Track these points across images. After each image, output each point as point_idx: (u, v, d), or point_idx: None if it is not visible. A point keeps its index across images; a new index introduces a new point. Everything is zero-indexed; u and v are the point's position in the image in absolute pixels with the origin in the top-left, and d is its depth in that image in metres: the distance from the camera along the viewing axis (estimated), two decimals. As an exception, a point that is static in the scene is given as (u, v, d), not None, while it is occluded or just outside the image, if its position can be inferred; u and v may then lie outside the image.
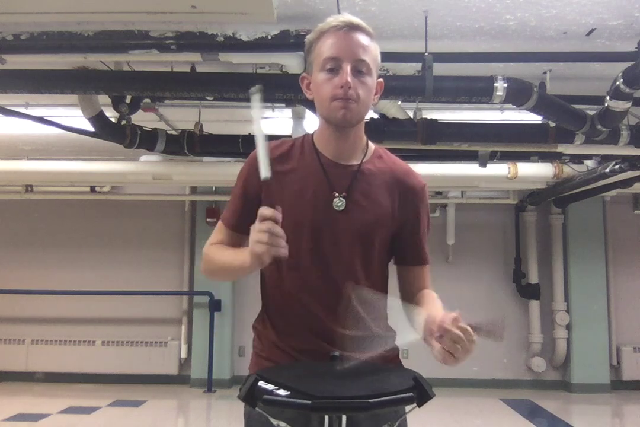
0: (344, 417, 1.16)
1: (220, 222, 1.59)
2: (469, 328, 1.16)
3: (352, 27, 1.41)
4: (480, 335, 1.18)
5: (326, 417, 1.16)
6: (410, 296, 1.51)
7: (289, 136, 4.09)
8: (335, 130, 1.48)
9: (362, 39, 1.41)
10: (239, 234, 1.57)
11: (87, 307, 6.70)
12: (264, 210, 1.23)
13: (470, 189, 6.17)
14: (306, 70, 1.52)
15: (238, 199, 1.54)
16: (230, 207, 1.57)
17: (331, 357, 1.39)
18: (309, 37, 1.47)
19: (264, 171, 1.26)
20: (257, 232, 1.23)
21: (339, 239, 1.46)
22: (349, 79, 1.38)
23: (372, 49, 1.43)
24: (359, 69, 1.41)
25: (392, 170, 1.53)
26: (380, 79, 1.50)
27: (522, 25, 3.12)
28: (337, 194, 1.46)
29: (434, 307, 1.37)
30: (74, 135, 4.31)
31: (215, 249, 1.53)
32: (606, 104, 3.33)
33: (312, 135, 1.56)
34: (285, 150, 1.54)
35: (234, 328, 6.60)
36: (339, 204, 1.46)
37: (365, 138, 1.55)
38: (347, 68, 1.39)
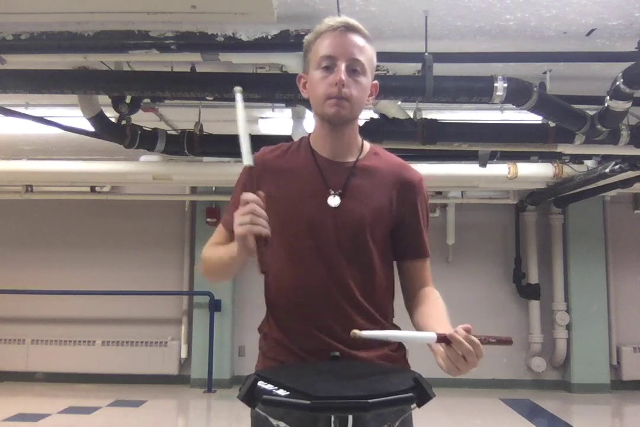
0: (350, 417, 1.16)
1: (219, 225, 1.61)
2: (478, 342, 1.18)
3: (348, 28, 1.44)
4: (490, 344, 1.20)
5: (332, 416, 1.16)
6: (412, 293, 1.53)
7: (289, 136, 4.09)
8: (330, 129, 1.50)
9: (358, 39, 1.44)
10: None
11: (87, 307, 6.70)
12: (245, 195, 1.25)
13: (470, 189, 6.17)
14: (304, 70, 1.54)
15: (238, 203, 1.55)
16: (230, 211, 1.58)
17: (331, 357, 1.39)
18: (307, 38, 1.50)
19: (247, 159, 1.31)
20: (239, 215, 1.24)
21: (338, 236, 1.47)
22: (343, 76, 1.41)
23: (367, 50, 1.46)
24: (354, 68, 1.43)
25: (388, 165, 1.55)
26: (376, 81, 1.52)
27: (522, 25, 3.11)
28: (332, 192, 1.48)
29: (441, 317, 1.39)
30: (74, 135, 4.31)
31: (211, 247, 1.55)
32: (606, 104, 3.33)
33: (309, 136, 1.59)
34: (282, 152, 1.57)
35: (234, 328, 6.60)
36: (334, 202, 1.47)
37: (360, 137, 1.57)
38: (342, 66, 1.42)
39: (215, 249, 1.51)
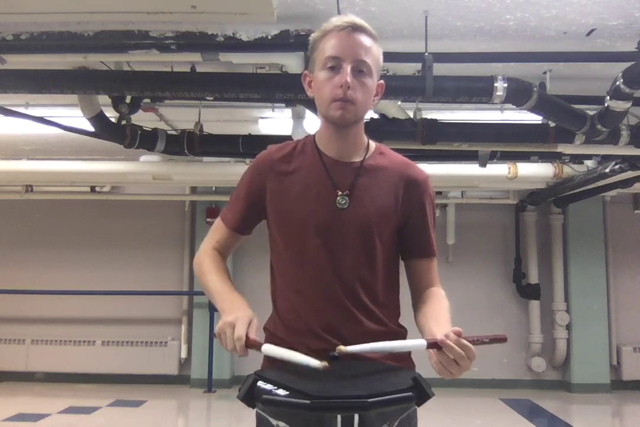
0: (356, 416, 1.16)
1: (219, 221, 1.59)
2: (470, 345, 1.17)
3: (355, 28, 1.43)
4: (484, 344, 1.20)
5: (339, 416, 1.16)
6: (418, 293, 1.52)
7: (289, 136, 4.09)
8: (335, 129, 1.49)
9: (365, 40, 1.43)
10: (238, 235, 1.58)
11: (87, 307, 6.70)
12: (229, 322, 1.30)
13: (470, 189, 6.17)
14: (308, 68, 1.54)
15: (242, 200, 1.55)
16: (232, 207, 1.57)
17: (331, 357, 1.39)
18: (313, 36, 1.49)
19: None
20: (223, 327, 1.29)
21: (345, 236, 1.47)
22: (349, 79, 1.40)
23: (373, 51, 1.45)
24: (360, 69, 1.43)
25: (394, 164, 1.55)
26: (382, 81, 1.52)
27: (522, 25, 3.11)
28: (340, 193, 1.48)
29: (441, 318, 1.38)
30: (74, 135, 4.31)
31: (209, 264, 1.53)
32: (606, 104, 3.33)
33: (314, 135, 1.58)
34: (288, 151, 1.56)
35: (234, 328, 6.58)
36: (342, 202, 1.47)
37: (365, 137, 1.57)
38: (348, 68, 1.41)
39: (210, 273, 1.50)
